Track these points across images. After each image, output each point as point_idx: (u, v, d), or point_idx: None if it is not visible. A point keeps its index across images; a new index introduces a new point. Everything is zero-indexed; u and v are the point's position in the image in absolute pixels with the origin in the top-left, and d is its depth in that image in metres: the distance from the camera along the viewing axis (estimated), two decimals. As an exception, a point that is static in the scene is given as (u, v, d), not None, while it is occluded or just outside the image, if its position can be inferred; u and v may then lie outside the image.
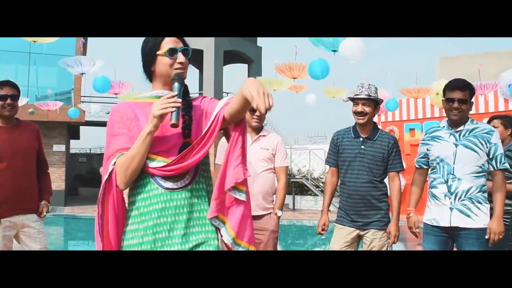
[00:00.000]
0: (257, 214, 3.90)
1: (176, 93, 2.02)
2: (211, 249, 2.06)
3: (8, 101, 3.69)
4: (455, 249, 3.55)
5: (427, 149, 3.62)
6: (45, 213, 3.87)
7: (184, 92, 2.10)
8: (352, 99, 3.87)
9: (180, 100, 1.99)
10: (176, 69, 2.09)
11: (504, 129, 4.51)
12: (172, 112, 1.96)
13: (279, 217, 4.09)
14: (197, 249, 2.04)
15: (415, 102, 15.53)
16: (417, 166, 3.74)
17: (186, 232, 2.04)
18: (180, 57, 2.09)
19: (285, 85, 9.99)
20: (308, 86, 11.35)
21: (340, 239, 3.86)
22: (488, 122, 4.53)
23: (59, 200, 18.69)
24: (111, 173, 2.03)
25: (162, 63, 2.10)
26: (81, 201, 21.17)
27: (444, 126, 3.57)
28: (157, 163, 2.03)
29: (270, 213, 4.08)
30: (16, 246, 3.80)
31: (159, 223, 2.02)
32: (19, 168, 3.69)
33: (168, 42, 2.10)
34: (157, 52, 2.10)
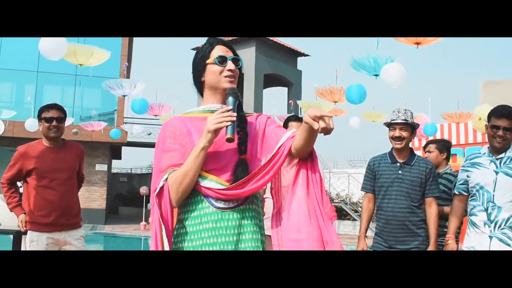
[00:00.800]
0: None
1: (231, 107, 1.94)
2: None
3: (54, 123, 3.87)
4: None
5: (467, 176, 3.55)
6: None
7: (239, 107, 2.03)
8: (388, 124, 3.87)
9: (235, 114, 1.91)
10: (226, 76, 2.04)
11: (439, 153, 4.55)
12: (227, 126, 1.88)
13: None
14: None
15: (457, 127, 15.25)
16: (456, 192, 3.67)
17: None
18: (230, 65, 2.05)
19: (326, 109, 9.99)
20: (348, 110, 11.31)
21: None
22: (424, 147, 4.64)
23: (100, 219, 19.06)
24: (162, 188, 1.94)
25: (212, 71, 2.05)
26: (121, 220, 21.51)
27: (485, 153, 3.50)
28: (209, 182, 1.96)
29: None
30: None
31: (208, 243, 1.94)
32: (62, 186, 3.85)
33: (218, 51, 2.06)
34: (207, 61, 2.05)
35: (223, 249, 1.94)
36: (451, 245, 3.57)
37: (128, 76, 21.30)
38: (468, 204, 3.58)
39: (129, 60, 20.88)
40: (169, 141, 2.02)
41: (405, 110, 3.82)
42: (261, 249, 2.02)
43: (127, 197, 26.46)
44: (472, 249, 3.43)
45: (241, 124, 2.02)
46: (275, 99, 41.38)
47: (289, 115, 12.57)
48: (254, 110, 20.19)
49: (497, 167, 3.39)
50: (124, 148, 25.16)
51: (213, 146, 1.94)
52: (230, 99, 1.98)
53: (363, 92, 7.74)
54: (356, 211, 18.34)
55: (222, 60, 2.03)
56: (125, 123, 19.75)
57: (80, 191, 4.19)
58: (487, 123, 3.48)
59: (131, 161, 40.16)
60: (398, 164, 3.82)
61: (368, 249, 3.92)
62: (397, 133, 3.78)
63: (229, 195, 1.94)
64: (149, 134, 23.99)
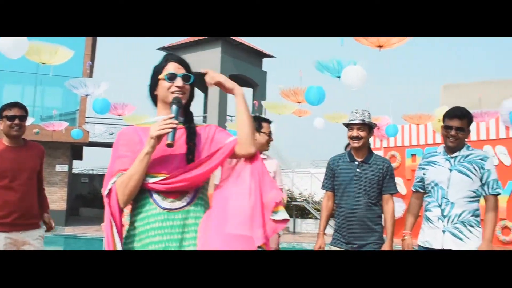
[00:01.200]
0: None
1: (173, 115, 2.08)
2: None
3: (16, 121, 3.81)
4: None
5: (423, 174, 3.71)
6: (53, 224, 4.10)
7: (189, 119, 2.23)
8: (347, 124, 3.99)
9: (176, 121, 2.04)
10: (173, 92, 2.17)
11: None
12: (168, 133, 2.02)
13: (280, 236, 4.29)
14: None
15: (417, 128, 15.60)
16: (413, 190, 3.84)
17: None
18: (178, 82, 2.18)
19: (290, 109, 10.09)
20: (311, 111, 11.43)
21: None
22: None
23: (60, 220, 18.66)
24: (110, 190, 2.09)
25: (162, 86, 2.20)
26: (82, 221, 21.15)
27: (440, 152, 3.66)
28: (156, 179, 2.08)
29: None
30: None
31: (155, 241, 2.06)
32: (22, 186, 3.80)
33: (169, 68, 2.20)
34: (159, 76, 2.21)
35: (168, 247, 2.06)
36: (407, 241, 3.71)
37: (91, 76, 20.98)
38: (424, 200, 3.73)
39: (92, 59, 20.54)
40: (122, 148, 2.18)
41: (363, 110, 3.96)
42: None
43: (88, 198, 26.04)
44: (426, 243, 3.58)
45: (191, 135, 2.18)
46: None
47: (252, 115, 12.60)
48: (218, 110, 20.18)
49: (451, 165, 3.55)
50: (85, 148, 24.75)
51: (163, 152, 2.11)
52: (173, 107, 2.13)
53: (322, 94, 7.86)
54: (318, 210, 18.54)
55: (171, 77, 2.19)
56: (87, 123, 19.44)
57: (41, 192, 4.12)
58: (442, 125, 3.63)
59: (92, 161, 39.55)
60: (356, 163, 3.94)
61: (327, 246, 4.03)
62: (354, 133, 3.90)
63: (173, 183, 2.07)
64: (111, 134, 23.66)
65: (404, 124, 14.18)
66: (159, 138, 2.03)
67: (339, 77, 6.48)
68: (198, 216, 2.14)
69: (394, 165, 16.32)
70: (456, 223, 3.47)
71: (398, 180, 16.13)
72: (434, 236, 3.54)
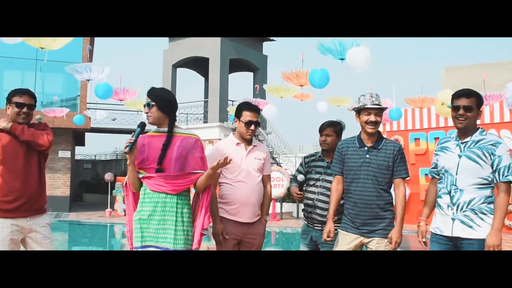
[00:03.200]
0: (252, 221, 4.11)
1: (133, 134, 3.32)
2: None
3: (25, 109, 3.83)
4: None
5: (437, 160, 3.66)
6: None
7: (170, 129, 3.45)
8: (360, 109, 3.89)
9: (133, 139, 3.29)
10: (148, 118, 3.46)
11: (336, 138, 4.44)
12: (127, 146, 3.29)
13: (266, 221, 4.30)
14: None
15: (420, 111, 15.52)
16: (430, 176, 3.78)
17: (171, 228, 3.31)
18: (145, 109, 3.45)
19: (292, 93, 9.98)
20: (313, 95, 11.33)
21: (343, 245, 3.88)
22: (320, 131, 4.51)
23: (64, 206, 18.74)
24: (127, 182, 3.51)
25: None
26: (85, 207, 21.22)
27: (453, 137, 3.60)
28: (141, 174, 3.42)
29: (260, 218, 4.20)
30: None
31: (144, 210, 3.36)
32: (28, 171, 3.80)
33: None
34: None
35: (151, 217, 3.32)
36: (421, 228, 3.66)
37: (91, 60, 20.86)
38: (437, 186, 3.67)
39: (92, 43, 20.42)
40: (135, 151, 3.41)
41: (376, 94, 3.87)
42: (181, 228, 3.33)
43: (91, 184, 26.11)
44: (437, 230, 3.53)
45: (165, 146, 3.38)
46: (241, 84, 41.28)
47: (253, 100, 12.47)
48: (220, 95, 20.12)
49: (461, 151, 3.48)
50: (87, 134, 24.74)
51: (145, 154, 3.44)
52: (137, 129, 3.37)
53: (326, 77, 7.76)
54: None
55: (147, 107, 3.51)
56: (88, 108, 19.39)
57: (43, 178, 4.08)
58: (451, 107, 3.57)
59: (95, 147, 39.62)
60: (366, 148, 3.87)
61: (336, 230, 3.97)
62: (372, 117, 3.82)
63: (157, 186, 3.35)
64: (114, 120, 23.62)
65: (407, 107, 14.08)
66: (130, 152, 3.31)
67: (342, 59, 6.38)
68: (173, 202, 3.36)
69: (397, 148, 16.26)
70: (465, 211, 3.40)
71: (401, 164, 16.09)
72: (444, 223, 3.49)
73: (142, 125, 3.39)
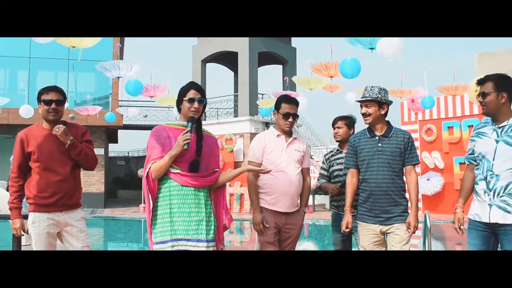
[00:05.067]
0: (290, 211, 4.21)
1: (189, 129, 3.24)
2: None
3: (53, 106, 3.87)
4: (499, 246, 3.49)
5: (474, 146, 3.59)
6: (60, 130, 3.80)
7: (198, 127, 3.40)
8: (359, 101, 4.09)
9: (190, 135, 3.20)
10: (191, 110, 3.35)
11: (347, 130, 4.93)
12: (185, 143, 3.19)
13: (305, 212, 4.39)
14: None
15: (453, 99, 15.24)
16: (466, 162, 3.72)
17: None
18: (195, 105, 3.36)
19: (322, 84, 9.91)
20: (344, 86, 11.23)
21: (368, 235, 3.98)
22: (333, 125, 5.01)
23: (99, 202, 19.11)
24: (148, 173, 3.31)
25: (184, 105, 3.39)
26: (120, 203, 21.59)
27: (489, 122, 3.53)
28: (174, 169, 3.29)
29: (299, 209, 4.33)
30: (59, 245, 3.93)
31: (173, 203, 3.29)
32: (64, 167, 3.87)
33: (190, 94, 3.38)
34: (183, 98, 3.39)
35: (179, 210, 3.28)
36: (458, 214, 3.62)
37: (121, 58, 21.14)
38: (474, 173, 3.61)
39: (122, 41, 20.68)
40: (154, 141, 3.34)
41: (372, 87, 4.02)
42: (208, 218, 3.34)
43: (125, 180, 26.51)
44: (476, 216, 3.48)
45: (199, 140, 3.38)
46: (271, 78, 41.25)
47: (283, 93, 12.46)
48: (249, 89, 20.12)
49: (498, 136, 3.41)
50: (120, 132, 25.12)
51: (183, 152, 3.25)
52: (189, 124, 3.29)
53: (357, 66, 7.68)
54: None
55: (191, 101, 3.38)
56: (120, 106, 19.67)
57: (78, 175, 4.16)
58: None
59: (128, 144, 40.22)
60: (377, 138, 4.00)
61: (354, 222, 4.12)
62: (362, 110, 4.02)
63: (187, 181, 3.30)
64: (145, 117, 23.88)
65: (439, 95, 13.83)
66: (187, 149, 3.21)
67: (372, 48, 6.30)
68: (201, 195, 3.35)
69: (430, 138, 16.01)
70: (502, 196, 3.34)
71: (435, 154, 15.85)
72: (482, 209, 3.44)
73: (193, 120, 3.32)
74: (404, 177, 4.01)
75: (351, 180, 4.13)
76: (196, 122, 3.34)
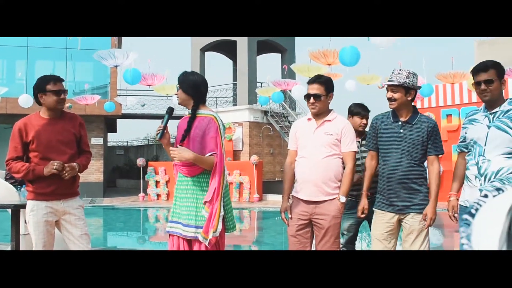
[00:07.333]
0: (318, 199, 3.90)
1: (162, 121, 3.53)
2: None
3: (62, 96, 3.92)
4: None
5: (465, 133, 3.60)
6: (68, 170, 3.85)
7: (193, 114, 3.54)
8: (385, 85, 3.90)
9: (162, 126, 3.51)
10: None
11: (360, 119, 4.81)
12: (157, 133, 3.54)
13: (342, 203, 3.91)
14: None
15: (451, 87, 15.24)
16: (458, 150, 3.73)
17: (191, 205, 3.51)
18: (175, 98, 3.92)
19: (322, 72, 9.90)
20: (343, 74, 11.22)
21: (381, 224, 3.87)
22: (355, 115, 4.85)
23: (98, 192, 19.13)
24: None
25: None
26: (119, 193, 21.63)
27: (481, 109, 3.54)
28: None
29: (334, 198, 3.91)
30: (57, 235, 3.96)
31: (178, 189, 3.59)
32: (62, 156, 3.87)
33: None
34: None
35: (180, 197, 3.56)
36: (452, 202, 3.62)
37: (119, 47, 21.05)
38: (465, 159, 3.63)
39: (120, 31, 20.57)
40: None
41: (400, 70, 3.81)
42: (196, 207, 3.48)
43: (124, 170, 26.53)
44: (466, 202, 3.49)
45: (187, 128, 3.51)
46: (269, 66, 41.20)
47: (282, 81, 12.36)
48: (248, 78, 20.09)
49: (490, 122, 3.42)
50: (119, 121, 25.09)
51: (177, 139, 3.59)
52: (165, 116, 3.58)
53: (356, 54, 7.69)
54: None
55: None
56: (119, 95, 19.64)
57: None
58: (473, 83, 3.53)
59: (126, 133, 40.22)
60: (400, 123, 3.83)
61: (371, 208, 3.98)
62: (388, 94, 3.81)
63: (180, 169, 3.57)
64: (143, 106, 23.85)
65: (438, 83, 13.82)
66: (160, 139, 3.57)
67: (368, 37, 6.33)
68: (190, 182, 3.53)
69: (428, 126, 16.01)
70: (493, 181, 3.32)
71: (433, 141, 15.85)
72: (472, 194, 3.44)
73: (170, 111, 3.58)
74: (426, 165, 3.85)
75: (370, 162, 4.00)
76: (171, 113, 3.59)
